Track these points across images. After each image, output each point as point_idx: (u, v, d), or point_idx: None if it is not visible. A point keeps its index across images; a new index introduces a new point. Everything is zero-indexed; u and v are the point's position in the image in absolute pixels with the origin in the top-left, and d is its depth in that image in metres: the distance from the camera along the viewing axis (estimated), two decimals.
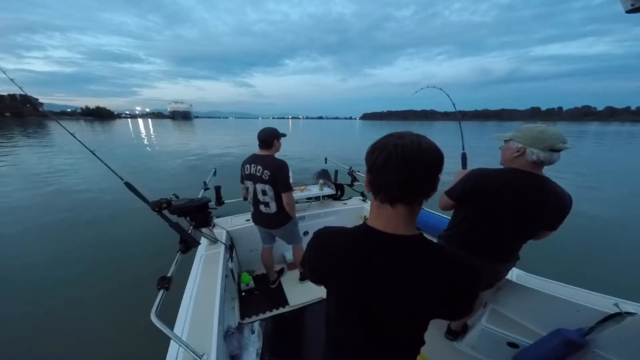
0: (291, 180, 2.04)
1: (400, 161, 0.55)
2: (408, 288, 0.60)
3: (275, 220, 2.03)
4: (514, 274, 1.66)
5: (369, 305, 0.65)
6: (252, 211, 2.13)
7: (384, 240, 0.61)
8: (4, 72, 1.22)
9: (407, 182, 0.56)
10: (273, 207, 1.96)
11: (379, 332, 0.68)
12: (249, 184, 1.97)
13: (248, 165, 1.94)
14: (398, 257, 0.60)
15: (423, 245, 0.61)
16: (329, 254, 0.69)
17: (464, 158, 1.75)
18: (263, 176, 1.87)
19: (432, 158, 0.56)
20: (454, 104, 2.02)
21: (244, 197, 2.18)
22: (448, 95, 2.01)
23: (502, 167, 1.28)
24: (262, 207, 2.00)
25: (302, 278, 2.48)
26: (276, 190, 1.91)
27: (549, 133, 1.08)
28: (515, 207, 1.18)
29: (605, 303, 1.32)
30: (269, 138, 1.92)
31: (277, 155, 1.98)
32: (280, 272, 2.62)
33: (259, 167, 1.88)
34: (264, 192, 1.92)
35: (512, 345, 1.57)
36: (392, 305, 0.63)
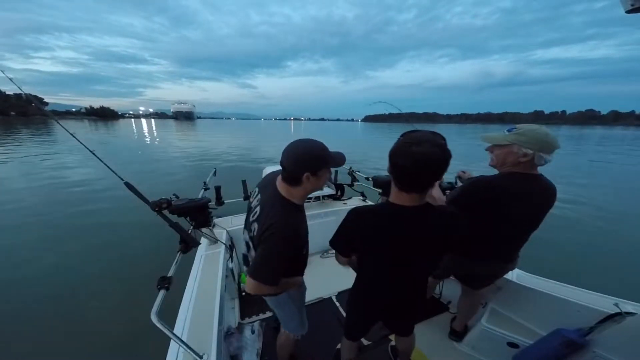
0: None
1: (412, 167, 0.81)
2: (422, 234, 0.91)
3: None
4: (514, 274, 1.65)
5: (396, 254, 0.95)
6: None
7: (403, 210, 0.89)
8: (2, 72, 1.21)
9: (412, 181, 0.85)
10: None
11: (402, 274, 1.01)
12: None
13: (255, 190, 1.20)
14: (411, 220, 0.90)
15: (426, 209, 0.90)
16: (361, 228, 0.96)
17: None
18: (252, 226, 1.08)
19: (436, 164, 0.79)
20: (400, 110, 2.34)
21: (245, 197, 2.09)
22: (392, 105, 2.32)
23: (498, 171, 1.26)
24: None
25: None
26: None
27: (552, 137, 1.11)
28: (530, 211, 1.22)
29: (605, 303, 1.31)
30: (294, 168, 0.97)
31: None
32: None
33: (257, 202, 1.11)
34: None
35: (512, 345, 1.57)
36: (413, 248, 0.93)
